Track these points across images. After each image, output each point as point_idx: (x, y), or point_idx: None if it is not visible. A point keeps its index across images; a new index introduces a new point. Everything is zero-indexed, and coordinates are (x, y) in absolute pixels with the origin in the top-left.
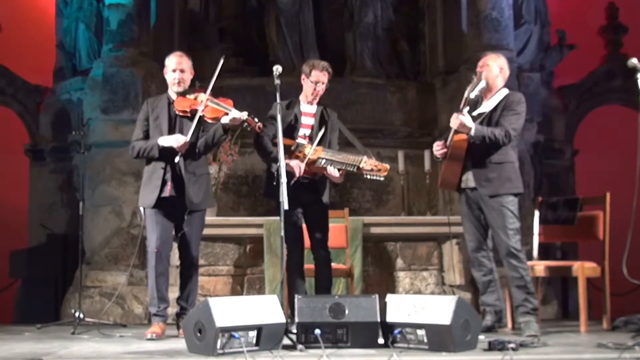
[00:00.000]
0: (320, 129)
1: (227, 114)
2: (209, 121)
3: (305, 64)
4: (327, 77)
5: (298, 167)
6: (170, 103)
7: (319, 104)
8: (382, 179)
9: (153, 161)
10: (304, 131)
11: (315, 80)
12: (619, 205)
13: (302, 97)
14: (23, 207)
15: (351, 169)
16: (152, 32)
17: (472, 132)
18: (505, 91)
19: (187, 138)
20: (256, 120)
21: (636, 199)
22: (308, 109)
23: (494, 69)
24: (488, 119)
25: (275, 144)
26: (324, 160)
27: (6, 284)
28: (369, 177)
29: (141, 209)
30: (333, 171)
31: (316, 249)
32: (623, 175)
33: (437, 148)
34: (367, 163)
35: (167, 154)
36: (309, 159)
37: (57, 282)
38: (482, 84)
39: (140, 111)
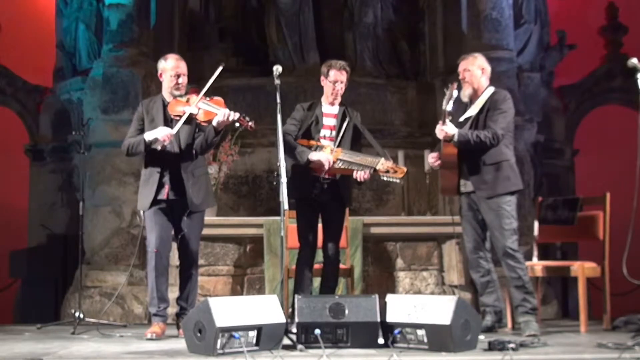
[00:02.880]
0: (341, 129)
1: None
2: (203, 124)
3: (323, 65)
4: (345, 75)
5: (327, 161)
6: (165, 105)
7: (341, 104)
8: (398, 181)
9: (150, 165)
10: (324, 132)
11: (333, 79)
12: (619, 205)
13: (323, 99)
14: (23, 207)
15: (368, 171)
16: (152, 32)
17: (455, 138)
18: (491, 90)
19: (174, 131)
20: (247, 119)
21: (636, 199)
22: (329, 110)
23: (476, 71)
24: (475, 122)
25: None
26: (341, 162)
27: (6, 284)
28: (385, 178)
29: (141, 212)
30: (362, 175)
31: (327, 248)
32: (623, 175)
33: (432, 160)
34: (384, 165)
35: (163, 157)
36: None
37: (57, 282)
38: (455, 94)
39: (136, 112)
